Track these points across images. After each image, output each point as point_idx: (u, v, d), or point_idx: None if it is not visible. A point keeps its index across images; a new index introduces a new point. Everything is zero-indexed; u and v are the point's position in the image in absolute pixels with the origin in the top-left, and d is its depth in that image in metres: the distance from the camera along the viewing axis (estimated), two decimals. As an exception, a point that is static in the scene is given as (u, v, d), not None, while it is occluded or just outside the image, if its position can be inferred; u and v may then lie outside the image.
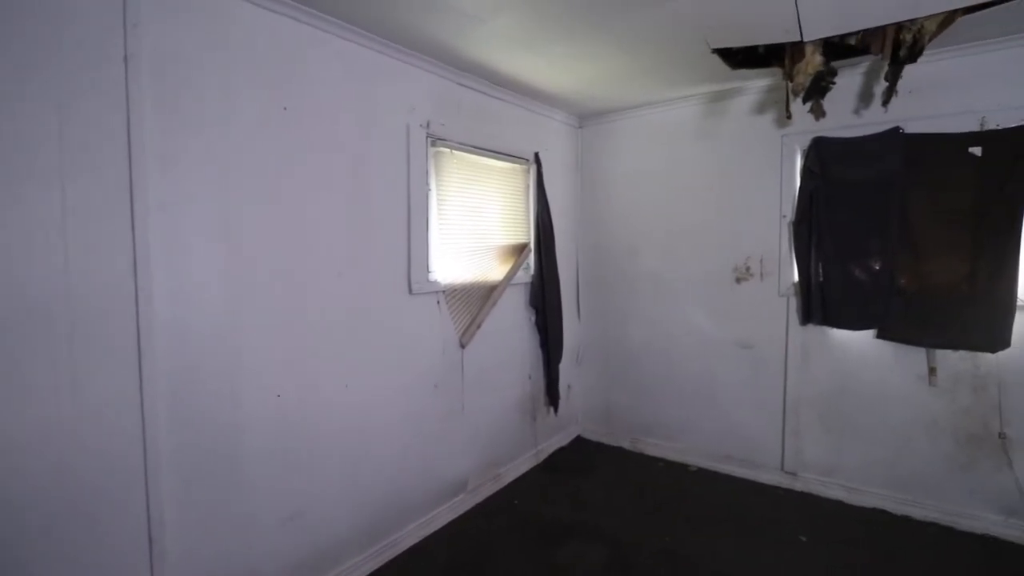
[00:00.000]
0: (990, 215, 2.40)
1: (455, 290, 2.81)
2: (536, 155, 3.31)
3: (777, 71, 2.63)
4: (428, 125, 2.59)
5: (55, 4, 1.43)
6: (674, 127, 3.38)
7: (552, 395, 3.49)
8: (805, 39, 2.04)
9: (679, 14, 2.03)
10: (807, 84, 2.17)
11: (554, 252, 3.40)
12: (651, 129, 3.48)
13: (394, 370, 2.51)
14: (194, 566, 1.78)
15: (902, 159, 2.58)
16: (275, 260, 2.00)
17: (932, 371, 2.60)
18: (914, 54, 1.97)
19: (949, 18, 1.87)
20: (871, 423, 2.80)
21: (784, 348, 3.05)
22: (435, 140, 2.64)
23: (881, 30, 1.96)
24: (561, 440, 3.78)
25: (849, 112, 2.72)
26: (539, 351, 3.44)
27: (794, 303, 2.99)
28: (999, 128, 2.36)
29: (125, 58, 1.55)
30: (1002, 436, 2.45)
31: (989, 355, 2.45)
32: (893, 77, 2.24)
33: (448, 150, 2.73)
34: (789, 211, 2.97)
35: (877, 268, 2.69)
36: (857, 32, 2.00)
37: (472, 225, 2.91)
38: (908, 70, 2.23)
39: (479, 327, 2.93)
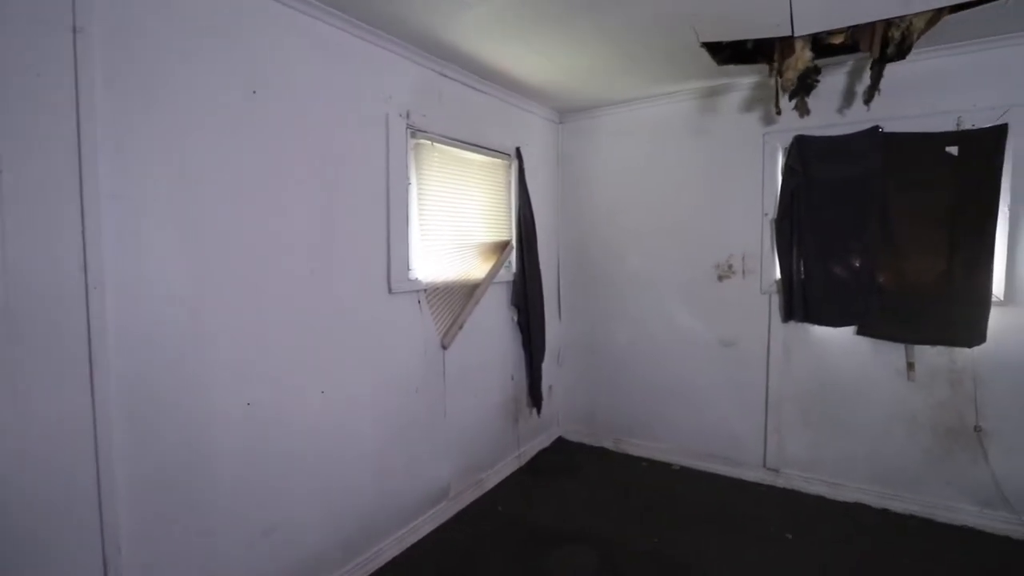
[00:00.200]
0: (966, 213, 2.45)
1: (436, 289, 2.70)
2: (517, 150, 3.22)
3: (761, 68, 2.64)
4: (408, 115, 2.47)
5: (-10, -37, 1.26)
6: (655, 125, 3.35)
7: (535, 396, 3.41)
8: (796, 34, 2.02)
9: (672, 5, 1.98)
10: (796, 80, 2.15)
11: (536, 250, 3.32)
12: (632, 126, 3.44)
13: (373, 373, 2.37)
14: (156, 593, 1.62)
15: (881, 158, 2.61)
16: (243, 256, 1.84)
17: (911, 366, 2.65)
18: (903, 51, 1.98)
19: (936, 16, 1.89)
20: (851, 418, 2.84)
21: (766, 345, 3.06)
22: (415, 131, 2.52)
23: (870, 27, 1.96)
24: (543, 442, 3.71)
25: (831, 111, 2.74)
26: (521, 351, 3.36)
27: (776, 301, 3.01)
28: (974, 128, 2.41)
29: (74, 28, 1.38)
30: (978, 429, 2.51)
31: (965, 350, 2.51)
32: (877, 75, 2.26)
33: (429, 142, 2.61)
34: (771, 209, 2.98)
35: (857, 265, 2.72)
36: (847, 28, 1.99)
37: (454, 221, 2.80)
38: (888, 70, 2.26)
39: (461, 327, 2.82)
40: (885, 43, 2.00)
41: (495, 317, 3.14)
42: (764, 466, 3.11)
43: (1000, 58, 2.36)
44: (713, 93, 3.11)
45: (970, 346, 2.48)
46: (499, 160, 3.12)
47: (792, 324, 2.96)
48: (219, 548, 1.79)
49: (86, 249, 1.41)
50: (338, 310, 2.20)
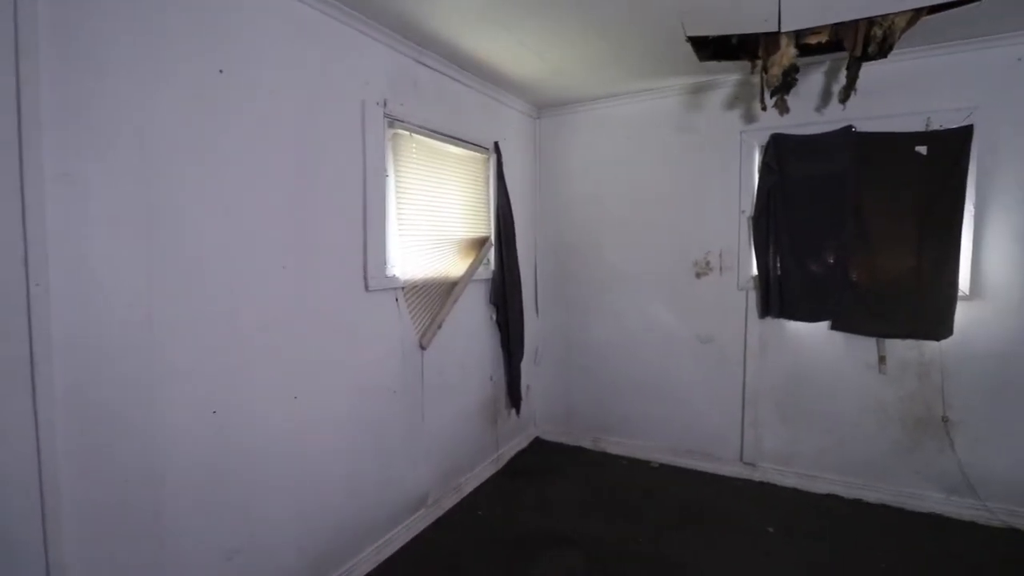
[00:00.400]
0: (934, 211, 2.54)
1: (415, 287, 2.57)
2: (496, 144, 3.13)
3: (741, 66, 2.67)
4: (385, 104, 2.34)
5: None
6: (633, 121, 3.34)
7: (513, 396, 3.33)
8: (783, 30, 2.03)
9: (664, -3, 1.95)
10: (781, 77, 2.16)
11: (515, 247, 3.24)
12: (610, 122, 3.42)
13: (349, 376, 2.23)
14: (110, 628, 1.44)
15: (854, 156, 2.67)
16: (207, 249, 1.68)
17: (882, 360, 2.73)
18: (884, 50, 2.02)
19: (916, 16, 1.92)
20: (825, 411, 2.90)
21: (743, 341, 3.09)
22: (393, 121, 2.39)
23: (854, 24, 1.98)
24: (520, 443, 3.63)
25: (809, 110, 2.78)
26: (500, 351, 3.27)
27: (753, 297, 3.04)
28: (942, 129, 2.50)
29: (10, -20, 1.20)
30: (945, 419, 2.60)
31: (933, 343, 2.60)
32: (853, 75, 2.30)
33: (407, 133, 2.49)
34: (748, 206, 3.01)
35: (831, 262, 2.78)
36: (831, 26, 2.01)
37: (432, 216, 2.69)
38: (863, 71, 2.31)
39: (440, 327, 2.71)
40: (866, 42, 2.03)
41: (474, 316, 3.04)
42: (741, 461, 3.14)
43: (967, 61, 2.45)
44: (691, 91, 3.12)
45: (938, 339, 2.57)
46: (477, 154, 3.03)
47: (768, 320, 3.00)
48: (182, 573, 1.62)
49: (27, 240, 1.22)
50: (312, 309, 2.05)
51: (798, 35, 2.17)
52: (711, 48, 2.36)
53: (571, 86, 3.14)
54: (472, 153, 2.98)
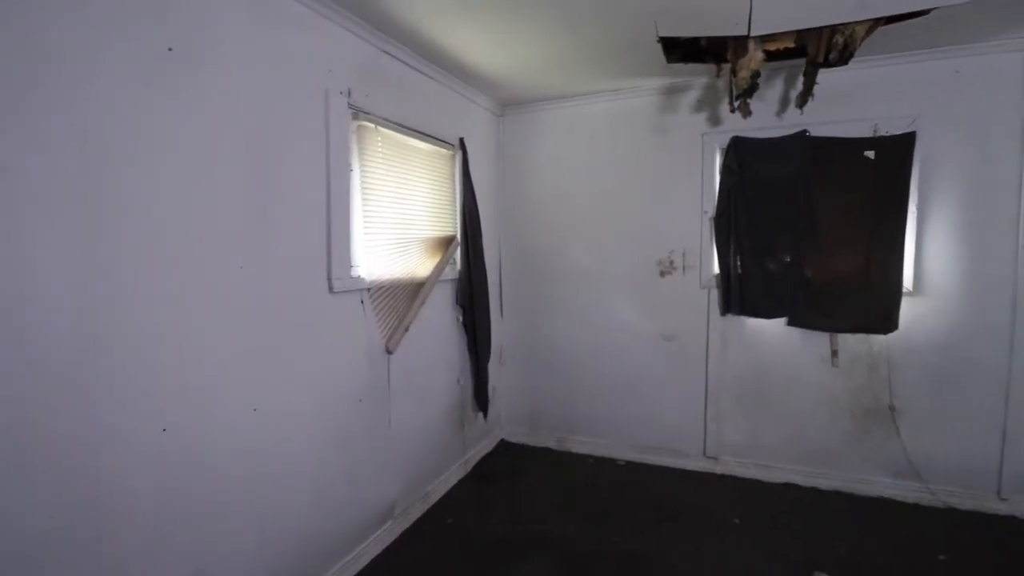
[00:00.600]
0: (880, 213, 2.69)
1: (381, 288, 2.45)
2: (461, 140, 3.04)
3: (707, 69, 2.72)
4: (350, 94, 2.20)
5: None
6: (598, 122, 3.35)
7: (481, 399, 3.25)
8: (752, 34, 2.07)
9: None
10: (749, 80, 2.21)
11: (481, 246, 3.16)
12: (575, 122, 3.41)
13: (313, 385, 2.08)
14: None
15: (809, 160, 2.80)
16: (156, 247, 1.50)
17: (834, 353, 2.87)
18: (844, 57, 2.10)
19: (874, 26, 2.02)
20: (782, 404, 3.02)
21: (705, 338, 3.17)
22: (358, 112, 2.26)
23: (819, 31, 2.05)
24: (486, 446, 3.56)
25: (769, 114, 2.88)
26: (467, 353, 3.18)
27: (715, 295, 3.12)
28: (888, 135, 2.66)
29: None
30: (891, 409, 2.77)
31: (881, 337, 2.75)
32: (811, 81, 2.40)
33: (372, 125, 2.36)
34: (710, 207, 3.08)
35: (788, 261, 2.90)
36: (797, 32, 2.07)
37: (398, 214, 2.56)
38: (819, 78, 2.40)
39: (407, 330, 2.59)
40: (828, 49, 2.11)
41: (441, 318, 2.94)
42: (704, 455, 3.22)
43: (911, 72, 2.62)
44: (656, 93, 3.16)
45: (885, 333, 2.73)
46: (444, 150, 2.93)
47: (729, 317, 3.09)
48: (130, 612, 1.44)
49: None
50: (274, 312, 1.89)
51: (764, 40, 2.24)
52: (681, 51, 2.38)
53: (537, 84, 3.10)
54: (438, 149, 2.88)
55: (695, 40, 2.32)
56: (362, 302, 2.33)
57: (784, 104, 2.83)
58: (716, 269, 3.10)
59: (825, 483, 2.93)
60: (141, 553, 1.47)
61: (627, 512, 2.75)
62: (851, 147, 2.73)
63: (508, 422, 3.77)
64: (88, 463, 1.34)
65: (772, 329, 3.01)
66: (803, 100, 2.51)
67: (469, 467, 3.28)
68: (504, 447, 3.68)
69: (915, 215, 2.66)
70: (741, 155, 2.94)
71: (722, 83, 2.87)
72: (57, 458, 1.28)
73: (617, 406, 3.42)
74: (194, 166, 1.60)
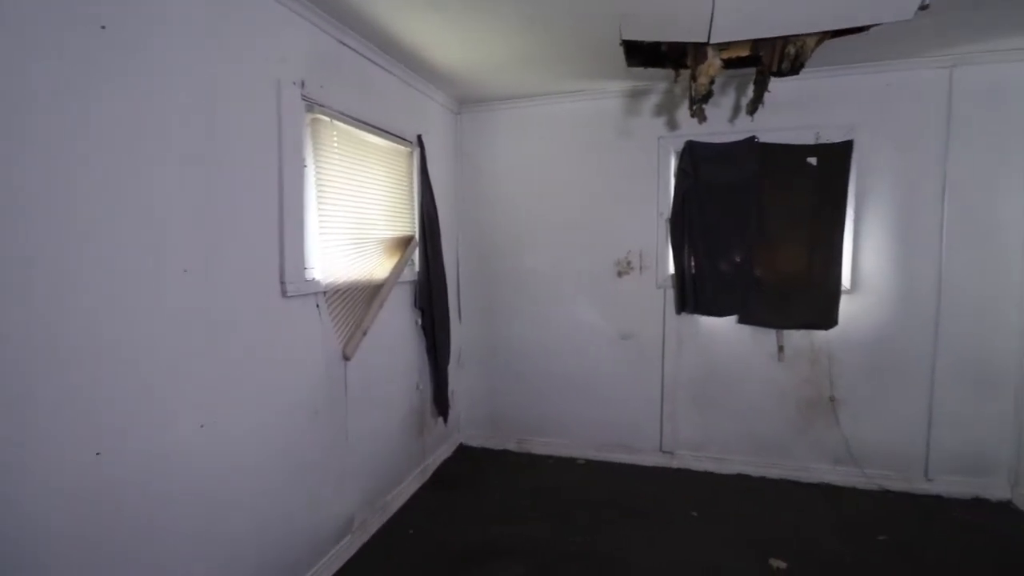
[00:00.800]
0: (822, 215, 2.86)
1: (338, 291, 2.32)
2: (419, 138, 2.94)
3: (665, 75, 2.77)
4: (304, 85, 2.06)
5: None
6: (557, 122, 3.35)
7: (441, 404, 3.17)
8: (712, 41, 2.12)
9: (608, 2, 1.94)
10: (708, 85, 2.27)
11: (440, 246, 3.08)
12: (533, 123, 3.39)
13: (266, 398, 1.94)
14: None
15: (757, 164, 2.93)
16: (89, 246, 1.33)
17: (781, 349, 3.02)
18: (796, 67, 2.20)
19: (823, 38, 2.13)
20: (733, 399, 3.14)
21: (662, 337, 3.25)
22: (312, 104, 2.12)
23: (772, 42, 2.14)
24: (446, 451, 3.48)
25: (723, 120, 2.99)
26: (426, 356, 3.09)
27: (670, 294, 3.20)
28: (829, 142, 2.82)
29: None
30: (832, 399, 2.95)
31: (822, 332, 2.93)
32: (762, 89, 2.50)
33: (328, 119, 2.23)
34: (666, 209, 3.16)
35: (739, 261, 3.02)
36: (753, 41, 2.15)
37: (355, 213, 2.44)
38: (769, 87, 2.51)
39: (365, 334, 2.48)
40: (781, 58, 2.21)
41: (400, 321, 2.83)
42: (660, 450, 3.30)
43: (850, 83, 2.80)
44: (615, 96, 3.20)
45: (826, 328, 2.90)
46: (401, 147, 2.82)
47: (684, 316, 3.18)
48: (60, 665, 1.27)
49: None
50: (221, 320, 1.73)
51: (720, 49, 2.30)
52: (642, 55, 2.41)
53: (496, 82, 3.05)
54: (395, 146, 2.77)
55: (656, 45, 2.35)
56: (318, 306, 2.20)
57: (736, 111, 2.95)
58: (671, 269, 3.18)
59: (774, 472, 3.08)
60: (72, 595, 1.30)
61: (588, 511, 2.76)
62: (795, 153, 2.88)
63: (467, 426, 3.71)
64: (5, 489, 1.16)
65: (724, 327, 3.12)
66: (753, 107, 2.61)
67: (428, 474, 3.19)
68: (464, 451, 3.62)
69: (852, 218, 2.85)
70: (695, 159, 3.03)
71: (680, 88, 2.95)
72: (-33, 495, 1.10)
73: (576, 406, 3.44)
74: (129, 158, 1.43)
